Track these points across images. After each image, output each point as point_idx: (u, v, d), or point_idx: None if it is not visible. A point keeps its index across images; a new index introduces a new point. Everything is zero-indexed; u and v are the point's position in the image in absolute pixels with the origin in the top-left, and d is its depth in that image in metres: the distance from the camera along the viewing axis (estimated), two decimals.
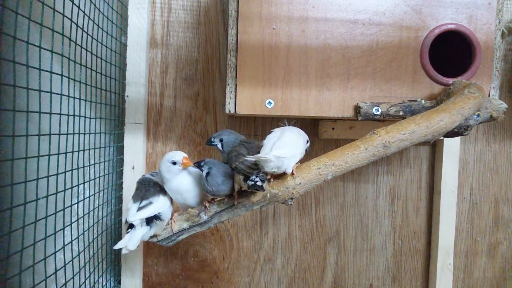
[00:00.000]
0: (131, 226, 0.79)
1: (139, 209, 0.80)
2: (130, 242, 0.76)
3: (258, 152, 0.74)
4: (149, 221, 0.79)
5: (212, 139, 0.83)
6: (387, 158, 1.19)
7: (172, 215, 0.84)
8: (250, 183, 0.70)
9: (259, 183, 0.70)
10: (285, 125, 0.85)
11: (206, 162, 0.78)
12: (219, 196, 0.80)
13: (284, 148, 0.73)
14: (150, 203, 0.81)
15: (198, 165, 0.78)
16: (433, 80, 0.92)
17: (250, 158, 0.71)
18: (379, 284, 1.23)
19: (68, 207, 0.81)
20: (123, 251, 0.76)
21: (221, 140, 0.82)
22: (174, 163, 0.80)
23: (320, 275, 1.21)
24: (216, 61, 1.14)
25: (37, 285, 0.68)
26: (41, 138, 0.69)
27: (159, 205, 0.81)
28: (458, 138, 1.15)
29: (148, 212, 0.79)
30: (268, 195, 0.77)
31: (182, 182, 0.82)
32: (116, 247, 0.77)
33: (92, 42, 0.89)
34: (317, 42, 0.89)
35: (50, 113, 0.71)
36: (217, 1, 1.13)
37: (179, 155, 0.81)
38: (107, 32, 0.99)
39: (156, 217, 0.80)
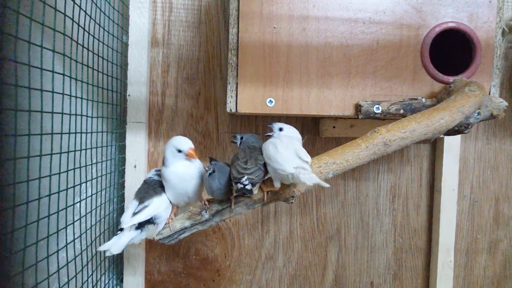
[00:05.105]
0: (121, 228, 0.77)
1: (134, 214, 0.78)
2: (114, 246, 0.74)
3: (255, 158, 0.74)
4: (141, 225, 0.78)
5: (236, 135, 0.84)
6: (388, 156, 1.19)
7: (175, 210, 0.84)
8: (239, 186, 0.70)
9: (248, 187, 0.70)
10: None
11: (215, 164, 0.78)
12: (216, 198, 0.80)
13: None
14: (145, 207, 0.79)
15: (210, 159, 0.79)
16: (434, 79, 0.92)
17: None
18: (379, 281, 1.23)
19: (70, 206, 0.82)
20: (107, 254, 0.74)
21: (241, 138, 0.83)
22: (180, 151, 0.80)
23: (321, 273, 1.21)
24: (217, 60, 1.14)
25: (40, 283, 0.68)
26: (43, 137, 0.70)
27: (153, 208, 0.79)
28: (458, 136, 1.16)
29: (142, 217, 0.77)
30: (269, 193, 0.78)
31: (188, 169, 0.81)
32: (100, 249, 0.75)
33: (93, 42, 0.89)
34: (318, 41, 0.89)
35: (52, 112, 0.71)
36: (218, 0, 1.13)
37: (186, 145, 0.80)
38: (108, 32, 1.00)
39: (149, 221, 0.78)
